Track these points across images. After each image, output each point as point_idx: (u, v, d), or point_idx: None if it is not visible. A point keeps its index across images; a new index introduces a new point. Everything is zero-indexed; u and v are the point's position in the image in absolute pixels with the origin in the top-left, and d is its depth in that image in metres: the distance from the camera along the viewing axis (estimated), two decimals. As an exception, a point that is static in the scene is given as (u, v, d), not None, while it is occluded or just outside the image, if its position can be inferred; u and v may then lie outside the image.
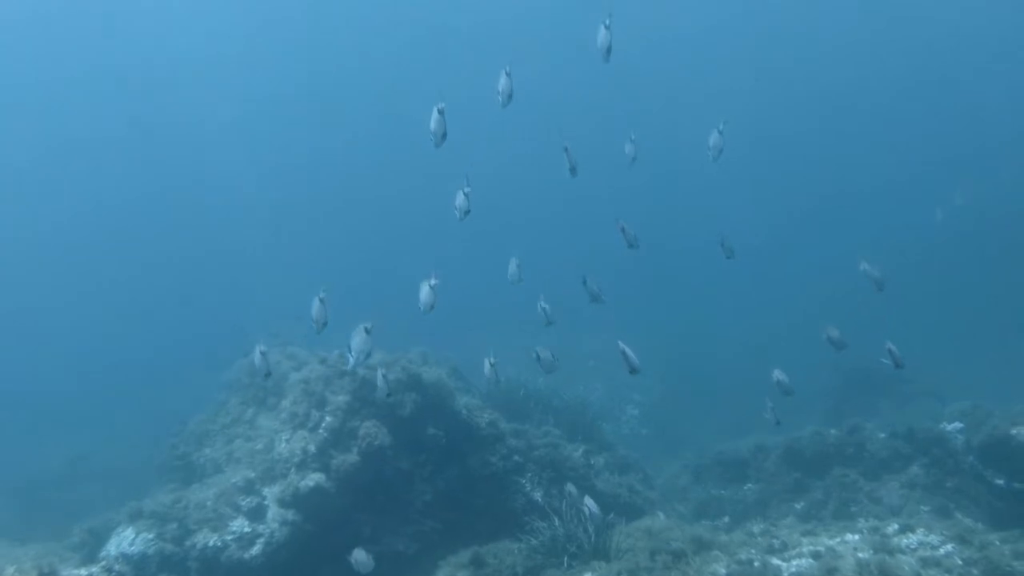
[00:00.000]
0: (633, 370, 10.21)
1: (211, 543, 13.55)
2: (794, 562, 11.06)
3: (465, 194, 9.76)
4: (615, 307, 13.96)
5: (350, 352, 9.50)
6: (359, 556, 10.99)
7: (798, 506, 16.45)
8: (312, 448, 14.25)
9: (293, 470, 14.11)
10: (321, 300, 9.49)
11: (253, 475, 14.55)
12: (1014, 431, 14.45)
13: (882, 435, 17.08)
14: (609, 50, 9.54)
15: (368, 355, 9.61)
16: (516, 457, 15.61)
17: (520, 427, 16.61)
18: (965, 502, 15.15)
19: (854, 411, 21.21)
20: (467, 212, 9.78)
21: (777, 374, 11.72)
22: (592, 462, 17.15)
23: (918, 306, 31.35)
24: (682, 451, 22.78)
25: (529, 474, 15.49)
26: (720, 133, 10.83)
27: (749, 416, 25.74)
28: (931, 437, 16.45)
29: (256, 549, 13.47)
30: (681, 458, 21.28)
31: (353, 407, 14.80)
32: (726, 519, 17.20)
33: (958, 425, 16.47)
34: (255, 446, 15.45)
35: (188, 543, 13.62)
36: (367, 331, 9.47)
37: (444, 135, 9.31)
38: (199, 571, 13.39)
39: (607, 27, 9.50)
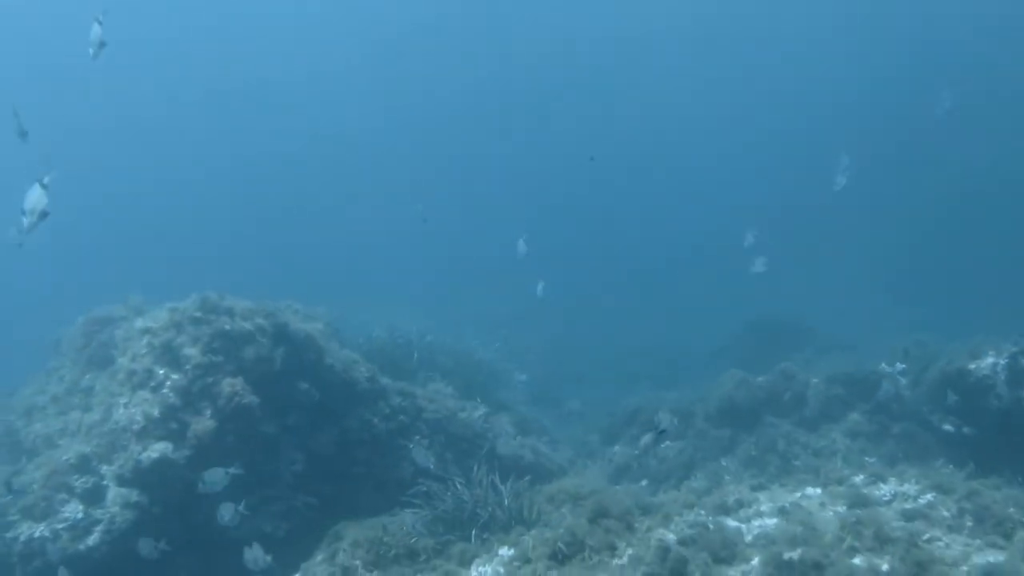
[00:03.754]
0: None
1: (37, 534, 11.59)
2: (755, 523, 9.01)
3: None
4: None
5: (23, 214, 7.62)
6: (254, 553, 9.58)
7: (726, 463, 14.59)
8: (155, 412, 11.76)
9: (133, 440, 11.63)
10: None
11: (88, 450, 12.42)
12: (972, 366, 12.74)
13: (815, 380, 15.33)
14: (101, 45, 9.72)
15: (44, 215, 7.75)
16: (402, 417, 13.47)
17: (407, 385, 14.34)
18: (914, 450, 13.53)
19: (766, 365, 19.55)
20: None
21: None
22: (489, 423, 14.94)
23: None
24: (575, 417, 21.63)
25: (418, 437, 13.32)
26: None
27: (643, 380, 24.75)
28: (872, 381, 14.81)
29: (93, 539, 11.55)
30: (588, 420, 19.67)
31: (214, 363, 12.18)
32: (644, 482, 15.25)
33: (900, 366, 14.85)
34: (92, 416, 13.02)
35: (10, 535, 11.64)
36: (43, 185, 7.72)
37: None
38: (26, 569, 11.45)
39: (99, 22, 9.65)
